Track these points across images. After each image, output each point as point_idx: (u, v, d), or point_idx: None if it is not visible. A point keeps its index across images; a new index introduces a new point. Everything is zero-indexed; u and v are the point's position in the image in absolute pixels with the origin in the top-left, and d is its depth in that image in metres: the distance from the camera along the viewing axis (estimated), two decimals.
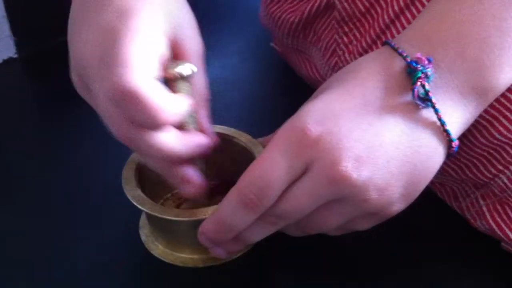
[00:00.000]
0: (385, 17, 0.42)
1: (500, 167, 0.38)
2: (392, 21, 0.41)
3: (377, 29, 0.42)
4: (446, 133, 0.34)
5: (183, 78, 0.36)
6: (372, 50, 0.43)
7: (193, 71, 0.36)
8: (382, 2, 0.42)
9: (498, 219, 0.39)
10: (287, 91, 0.58)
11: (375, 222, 0.36)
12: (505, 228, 0.39)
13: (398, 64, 0.34)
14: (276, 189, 0.33)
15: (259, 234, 0.36)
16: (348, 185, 0.32)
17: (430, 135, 0.34)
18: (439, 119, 0.34)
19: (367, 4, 0.43)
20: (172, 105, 0.33)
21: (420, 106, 0.34)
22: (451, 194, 0.43)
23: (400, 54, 0.34)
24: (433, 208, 0.44)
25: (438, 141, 0.34)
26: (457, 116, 0.34)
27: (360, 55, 0.43)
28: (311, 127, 0.33)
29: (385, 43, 0.36)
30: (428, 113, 0.34)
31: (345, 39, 0.45)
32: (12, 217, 0.45)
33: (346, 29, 0.45)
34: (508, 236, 0.39)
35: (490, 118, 0.36)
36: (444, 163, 0.37)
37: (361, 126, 0.33)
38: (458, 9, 0.35)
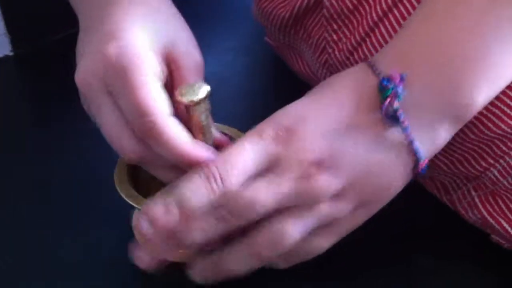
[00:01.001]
0: (374, 14, 0.42)
1: (491, 161, 0.38)
2: (381, 19, 0.41)
3: (366, 27, 0.42)
4: (414, 152, 0.34)
5: (198, 103, 0.36)
6: (361, 48, 0.43)
7: (208, 92, 0.36)
8: (370, 0, 0.42)
9: (490, 209, 0.40)
10: (281, 87, 0.58)
11: (331, 240, 0.36)
12: (498, 217, 0.40)
13: (372, 81, 0.35)
14: (240, 170, 0.33)
15: (202, 234, 0.34)
16: (307, 188, 0.33)
17: (396, 152, 0.34)
18: (407, 137, 0.34)
19: (355, 1, 0.43)
20: (194, 150, 0.35)
21: (389, 124, 0.34)
22: (441, 188, 0.44)
23: (374, 72, 0.35)
24: (423, 203, 0.45)
25: (403, 159, 0.35)
26: (427, 136, 0.35)
27: (350, 53, 0.44)
28: (282, 127, 0.34)
29: (366, 62, 0.36)
30: (396, 131, 0.34)
31: (334, 36, 0.46)
32: (8, 215, 0.45)
33: (335, 27, 0.45)
34: (501, 224, 0.39)
35: (480, 116, 0.37)
36: (436, 157, 0.38)
37: (328, 135, 0.34)
38: (432, 26, 0.35)
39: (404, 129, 0.34)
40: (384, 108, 0.34)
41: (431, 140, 0.35)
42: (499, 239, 0.41)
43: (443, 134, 0.35)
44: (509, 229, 0.39)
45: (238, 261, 0.35)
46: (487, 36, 0.34)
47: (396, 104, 0.33)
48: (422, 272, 0.41)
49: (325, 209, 0.34)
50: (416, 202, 0.44)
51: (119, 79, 0.35)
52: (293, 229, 0.34)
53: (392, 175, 0.35)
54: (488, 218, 0.40)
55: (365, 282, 0.40)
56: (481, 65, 0.34)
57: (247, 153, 0.33)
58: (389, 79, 0.34)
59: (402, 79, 0.34)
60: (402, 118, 0.34)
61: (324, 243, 0.36)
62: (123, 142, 0.36)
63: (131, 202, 0.38)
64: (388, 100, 0.33)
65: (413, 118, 0.34)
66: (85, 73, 0.37)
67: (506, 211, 0.39)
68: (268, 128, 0.34)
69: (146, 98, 0.35)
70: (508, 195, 0.39)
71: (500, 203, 0.40)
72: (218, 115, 0.44)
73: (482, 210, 0.40)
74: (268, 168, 0.34)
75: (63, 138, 0.53)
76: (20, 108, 0.59)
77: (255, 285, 0.39)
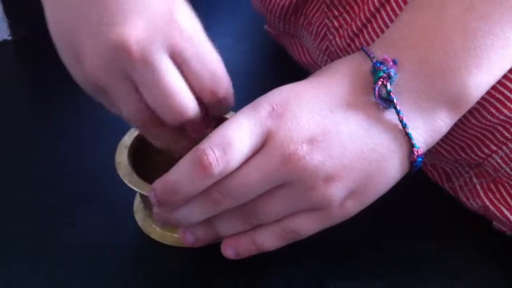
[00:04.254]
0: (375, 1, 0.41)
1: (494, 147, 0.38)
2: (382, 5, 0.41)
3: (367, 13, 0.42)
4: (408, 137, 0.34)
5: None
6: (362, 34, 0.43)
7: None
8: None
9: (492, 197, 0.40)
10: (281, 73, 0.58)
11: (319, 223, 0.36)
12: (499, 205, 0.39)
13: (366, 65, 0.35)
14: (238, 150, 0.33)
15: (195, 215, 0.35)
16: (298, 166, 0.33)
17: (390, 137, 0.34)
18: (401, 121, 0.34)
19: None
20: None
21: (382, 106, 0.34)
22: (443, 175, 0.44)
23: (368, 56, 0.35)
24: (426, 192, 0.45)
25: (397, 144, 0.34)
26: (423, 122, 0.35)
27: (351, 39, 0.44)
28: (277, 103, 0.34)
29: (361, 49, 0.36)
30: (390, 115, 0.34)
31: (335, 23, 0.45)
32: (4, 204, 0.45)
33: (336, 13, 0.45)
34: (502, 212, 0.39)
35: (482, 101, 0.36)
36: (437, 144, 0.38)
37: (321, 112, 0.34)
38: (423, 15, 0.35)
39: (398, 111, 0.34)
40: (376, 89, 0.34)
41: (427, 127, 0.35)
42: (501, 226, 0.41)
43: (441, 121, 0.35)
44: (510, 216, 0.39)
45: (228, 225, 0.36)
46: (474, 23, 0.34)
47: (389, 86, 0.33)
48: (425, 259, 0.41)
49: (317, 192, 0.34)
50: (419, 191, 0.44)
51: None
52: (278, 207, 0.35)
53: (386, 162, 0.34)
54: (490, 206, 0.40)
55: (370, 268, 0.41)
56: (469, 51, 0.34)
57: (243, 129, 0.33)
58: (382, 62, 0.34)
59: (394, 63, 0.34)
60: (395, 100, 0.34)
61: (311, 225, 0.36)
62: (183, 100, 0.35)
63: (133, 187, 0.38)
64: (381, 81, 0.34)
65: (406, 103, 0.34)
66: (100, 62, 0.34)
67: (508, 198, 0.39)
68: (264, 103, 0.34)
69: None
70: (510, 182, 0.39)
71: (502, 190, 0.39)
72: None
73: (484, 197, 0.40)
74: (263, 143, 0.34)
75: (60, 121, 0.53)
76: (18, 92, 0.59)
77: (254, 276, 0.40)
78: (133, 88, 0.34)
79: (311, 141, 0.33)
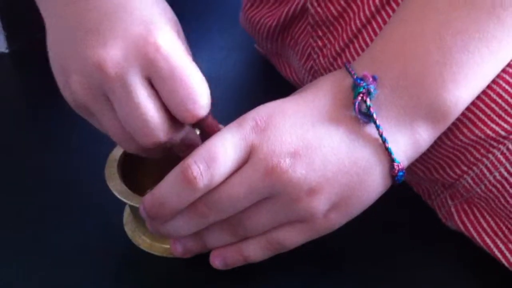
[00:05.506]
0: (357, 21, 0.43)
1: (464, 168, 0.38)
2: (364, 26, 0.42)
3: (350, 33, 0.43)
4: (388, 151, 0.35)
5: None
6: (344, 53, 0.44)
7: None
8: (354, 7, 0.43)
9: (466, 220, 0.40)
10: (270, 88, 0.58)
11: (304, 235, 0.36)
12: (471, 229, 0.40)
13: (348, 81, 0.36)
14: (222, 164, 0.34)
15: (183, 228, 0.36)
16: (281, 178, 0.33)
17: (370, 151, 0.35)
18: (381, 135, 0.35)
19: (339, 9, 0.44)
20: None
21: (362, 121, 0.35)
22: (426, 192, 0.44)
23: (349, 72, 0.36)
24: (410, 202, 0.45)
25: (378, 159, 0.35)
26: (402, 137, 0.35)
27: (334, 58, 0.45)
28: (261, 118, 0.35)
29: (344, 65, 0.37)
30: (370, 129, 0.35)
31: (319, 42, 0.46)
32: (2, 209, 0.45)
33: (320, 33, 0.46)
34: (474, 238, 0.39)
35: (456, 121, 0.37)
36: (413, 164, 0.39)
37: (304, 126, 0.35)
38: (402, 29, 0.36)
39: (378, 126, 0.34)
40: (356, 104, 0.34)
41: (407, 141, 0.36)
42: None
43: (420, 136, 0.36)
44: (479, 242, 0.39)
45: (216, 237, 0.37)
46: (450, 38, 0.34)
47: (368, 101, 0.34)
48: (410, 267, 0.42)
49: (301, 204, 0.34)
50: (403, 200, 0.44)
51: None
52: (264, 219, 0.35)
53: (368, 175, 0.35)
54: (463, 230, 0.40)
55: (354, 274, 0.41)
56: (445, 66, 0.34)
57: (227, 143, 0.34)
58: (362, 78, 0.35)
59: (374, 79, 0.35)
60: (374, 115, 0.34)
61: (296, 237, 0.36)
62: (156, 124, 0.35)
63: (122, 199, 0.39)
64: (360, 96, 0.34)
65: (385, 118, 0.35)
66: (84, 85, 0.35)
67: (481, 221, 0.39)
68: (248, 119, 0.35)
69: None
70: (482, 203, 0.39)
71: (476, 212, 0.40)
72: None
73: (458, 221, 0.41)
74: (247, 157, 0.34)
75: (59, 135, 0.53)
76: (16, 105, 0.59)
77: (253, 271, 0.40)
78: (113, 108, 0.35)
79: (294, 154, 0.34)
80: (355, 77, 0.35)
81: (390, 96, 0.35)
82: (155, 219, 0.36)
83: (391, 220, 0.44)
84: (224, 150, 0.34)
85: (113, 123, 0.36)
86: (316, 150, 0.34)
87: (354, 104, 0.35)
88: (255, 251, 0.37)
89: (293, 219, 0.36)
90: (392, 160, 0.35)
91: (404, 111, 0.35)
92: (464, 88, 0.35)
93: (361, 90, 0.34)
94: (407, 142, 0.36)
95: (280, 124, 0.35)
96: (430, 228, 0.44)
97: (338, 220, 0.36)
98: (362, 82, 0.35)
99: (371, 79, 0.35)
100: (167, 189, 0.35)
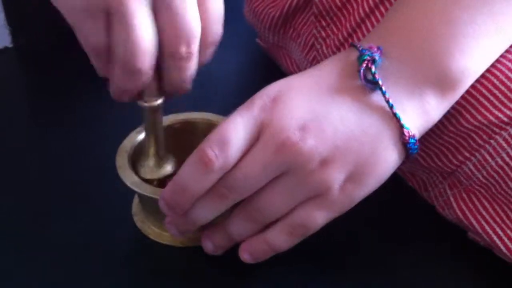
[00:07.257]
0: (361, 11, 0.43)
1: (467, 154, 0.39)
2: (367, 15, 0.43)
3: (353, 23, 0.44)
4: (396, 117, 0.35)
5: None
6: (348, 43, 0.44)
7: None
8: None
9: (464, 208, 0.40)
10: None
11: (324, 212, 0.36)
12: (470, 217, 0.40)
13: (353, 55, 0.37)
14: (234, 145, 0.34)
15: (207, 212, 0.37)
16: (293, 152, 0.34)
17: (378, 118, 0.35)
18: (387, 101, 0.35)
19: None
20: None
21: (369, 89, 0.35)
22: (421, 184, 0.45)
23: (355, 46, 0.37)
24: (404, 198, 0.45)
25: (386, 125, 0.35)
26: (410, 105, 0.36)
27: (337, 49, 0.45)
28: (269, 96, 0.35)
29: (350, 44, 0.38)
30: (377, 97, 0.35)
31: (323, 33, 0.47)
32: (4, 203, 0.45)
33: (324, 24, 0.47)
34: (473, 225, 0.40)
35: (457, 106, 0.38)
36: None
37: (311, 100, 0.35)
38: (407, 9, 0.37)
39: (384, 92, 0.35)
40: (361, 71, 0.35)
41: (415, 109, 0.36)
42: (475, 237, 0.41)
43: (429, 104, 0.36)
44: (478, 228, 0.40)
45: (239, 227, 0.38)
46: (456, 12, 0.35)
47: (373, 68, 0.35)
48: (406, 267, 0.42)
49: (315, 176, 0.35)
50: (399, 199, 0.45)
51: None
52: (283, 199, 0.36)
53: (378, 143, 0.35)
54: (462, 218, 0.41)
55: (352, 276, 0.41)
56: (451, 38, 0.35)
57: (238, 125, 0.35)
58: (367, 49, 0.36)
59: (379, 49, 0.36)
60: (380, 82, 0.35)
61: (317, 215, 0.36)
62: None
63: (136, 189, 0.39)
64: (365, 63, 0.35)
65: (392, 86, 0.35)
66: None
67: (480, 208, 0.40)
68: (257, 99, 0.36)
69: None
70: (482, 190, 0.39)
71: (475, 200, 0.40)
72: (208, 108, 0.45)
73: (456, 209, 0.41)
74: (259, 136, 0.35)
75: (62, 129, 0.53)
76: (19, 99, 0.59)
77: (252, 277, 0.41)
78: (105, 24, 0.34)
79: (303, 127, 0.34)
80: (360, 48, 0.36)
81: (397, 66, 0.36)
82: (176, 209, 0.37)
83: (390, 218, 0.45)
84: (235, 132, 0.35)
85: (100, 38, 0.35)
86: (324, 121, 0.35)
87: (359, 71, 0.35)
88: (279, 238, 0.37)
89: (310, 194, 0.36)
90: (401, 126, 0.35)
91: (412, 80, 0.36)
92: (470, 58, 0.36)
93: (365, 57, 0.35)
94: (416, 111, 0.36)
95: (288, 100, 0.35)
96: (430, 228, 0.44)
97: (355, 192, 0.36)
98: (367, 51, 0.35)
99: (375, 49, 0.36)
100: (186, 175, 0.36)
